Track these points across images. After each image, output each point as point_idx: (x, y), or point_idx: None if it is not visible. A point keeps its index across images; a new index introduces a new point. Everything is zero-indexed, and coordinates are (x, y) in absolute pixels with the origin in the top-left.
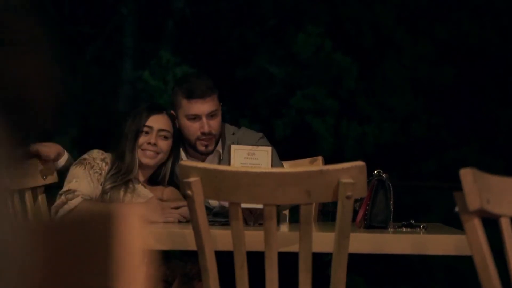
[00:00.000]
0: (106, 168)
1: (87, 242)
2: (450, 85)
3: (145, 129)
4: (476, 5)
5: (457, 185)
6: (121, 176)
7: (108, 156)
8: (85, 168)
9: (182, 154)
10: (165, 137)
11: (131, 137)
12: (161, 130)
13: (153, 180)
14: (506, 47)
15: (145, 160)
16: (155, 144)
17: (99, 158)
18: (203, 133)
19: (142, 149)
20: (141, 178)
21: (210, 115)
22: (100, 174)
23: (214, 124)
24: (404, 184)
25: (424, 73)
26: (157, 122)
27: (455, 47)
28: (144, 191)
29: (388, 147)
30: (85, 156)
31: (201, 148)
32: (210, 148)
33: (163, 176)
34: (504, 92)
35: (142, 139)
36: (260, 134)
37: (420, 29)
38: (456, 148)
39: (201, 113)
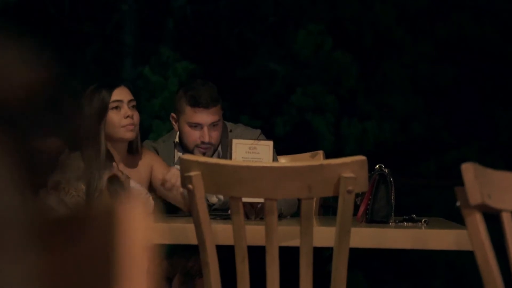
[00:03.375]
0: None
1: (89, 239)
2: (450, 85)
3: (115, 104)
4: (476, 5)
5: (458, 184)
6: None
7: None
8: (59, 196)
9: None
10: (134, 107)
11: (94, 121)
12: (130, 101)
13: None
14: (506, 47)
15: (129, 135)
16: (132, 116)
17: (74, 177)
18: (203, 142)
19: (122, 126)
20: (117, 157)
21: (212, 125)
22: (78, 195)
23: (215, 135)
24: (404, 182)
25: (424, 72)
26: (124, 94)
27: (455, 47)
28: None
29: (388, 146)
30: (59, 178)
31: (199, 154)
32: (208, 155)
33: (136, 144)
34: (504, 92)
35: (116, 116)
36: (259, 131)
37: (420, 28)
38: (456, 148)
39: (203, 122)
